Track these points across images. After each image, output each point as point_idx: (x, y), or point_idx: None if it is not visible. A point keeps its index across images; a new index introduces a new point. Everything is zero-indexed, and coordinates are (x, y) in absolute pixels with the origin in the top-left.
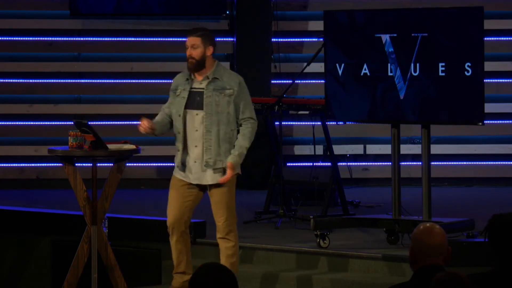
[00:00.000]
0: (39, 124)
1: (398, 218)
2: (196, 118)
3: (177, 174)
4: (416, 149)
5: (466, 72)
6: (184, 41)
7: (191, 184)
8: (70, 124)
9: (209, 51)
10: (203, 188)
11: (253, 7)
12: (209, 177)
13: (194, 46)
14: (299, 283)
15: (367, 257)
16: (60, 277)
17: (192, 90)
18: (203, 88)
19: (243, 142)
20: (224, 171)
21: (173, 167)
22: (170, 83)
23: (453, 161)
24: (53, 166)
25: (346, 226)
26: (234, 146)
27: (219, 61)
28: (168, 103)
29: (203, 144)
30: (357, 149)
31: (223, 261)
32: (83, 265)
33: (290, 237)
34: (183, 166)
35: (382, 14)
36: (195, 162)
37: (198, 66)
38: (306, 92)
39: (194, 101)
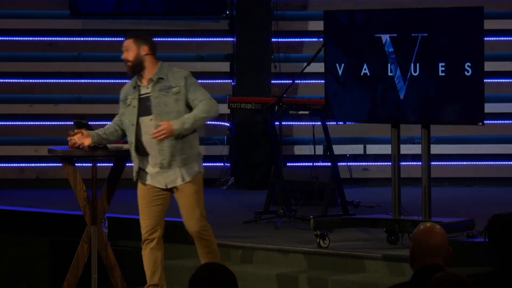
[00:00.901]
0: (39, 124)
1: (398, 218)
2: (150, 123)
3: (142, 182)
4: (416, 149)
5: (466, 72)
6: (184, 41)
7: (156, 188)
8: (70, 124)
9: (144, 50)
10: (169, 191)
11: (253, 7)
12: (172, 180)
13: (126, 48)
14: (299, 283)
15: (367, 257)
16: (59, 277)
17: (141, 96)
18: (150, 92)
19: (195, 111)
20: (186, 172)
21: None
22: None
23: (453, 161)
24: (53, 166)
25: (346, 226)
26: (190, 145)
27: (162, 61)
28: (119, 115)
29: (157, 147)
30: (357, 149)
31: (203, 260)
32: (83, 265)
33: (290, 237)
34: (145, 174)
35: (382, 14)
36: (154, 166)
37: (135, 68)
38: (306, 92)
39: (145, 107)
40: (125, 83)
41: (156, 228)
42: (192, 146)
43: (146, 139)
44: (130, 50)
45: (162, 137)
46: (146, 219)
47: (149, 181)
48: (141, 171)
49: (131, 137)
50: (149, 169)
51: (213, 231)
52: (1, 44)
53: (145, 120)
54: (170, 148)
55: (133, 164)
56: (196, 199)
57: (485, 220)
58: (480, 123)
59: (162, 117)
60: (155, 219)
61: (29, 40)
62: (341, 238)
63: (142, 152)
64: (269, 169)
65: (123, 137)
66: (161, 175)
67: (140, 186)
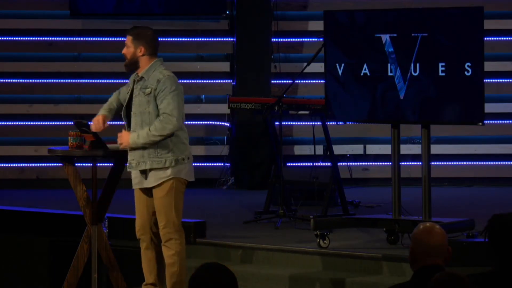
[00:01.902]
0: (39, 124)
1: (398, 218)
2: (132, 119)
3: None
4: (416, 149)
5: (466, 72)
6: (184, 41)
7: (142, 189)
8: (70, 124)
9: (140, 51)
10: (150, 192)
11: (253, 7)
12: (145, 181)
13: (126, 44)
14: (299, 283)
15: (367, 257)
16: (59, 277)
17: (133, 90)
18: (134, 90)
19: (151, 128)
20: (158, 174)
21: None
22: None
23: (453, 161)
24: (53, 166)
25: (346, 226)
26: (168, 149)
27: (157, 61)
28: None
29: (130, 146)
30: (357, 149)
31: (166, 270)
32: (83, 265)
33: (290, 237)
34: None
35: (382, 14)
36: (128, 166)
37: (130, 65)
38: (306, 92)
39: (131, 102)
40: (125, 83)
41: (148, 227)
42: (172, 150)
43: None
44: (129, 47)
45: (121, 146)
46: (138, 218)
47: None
48: None
49: (126, 125)
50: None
51: (213, 231)
52: (1, 44)
53: (131, 114)
54: (140, 149)
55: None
56: (163, 203)
57: (485, 220)
58: (480, 123)
59: (136, 116)
60: (147, 219)
61: (29, 40)
62: (341, 238)
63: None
64: (269, 169)
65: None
66: (138, 174)
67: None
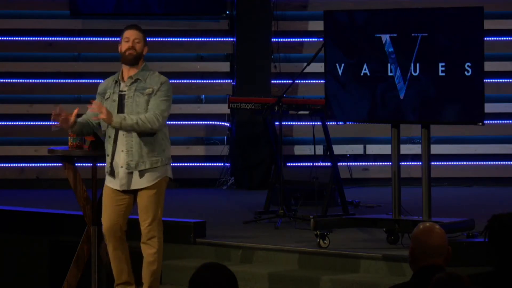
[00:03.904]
0: (39, 124)
1: (398, 218)
2: None
3: (107, 181)
4: (416, 149)
5: (466, 72)
6: (185, 41)
7: (120, 190)
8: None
9: (145, 50)
10: (133, 193)
11: (253, 7)
12: (137, 182)
13: (137, 40)
14: (299, 283)
15: (367, 257)
16: (59, 277)
17: (121, 93)
18: (125, 91)
19: (141, 116)
20: (152, 175)
21: (174, 167)
22: (170, 83)
23: (453, 161)
24: (53, 166)
25: (346, 226)
26: (162, 148)
27: (147, 64)
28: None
29: (126, 147)
30: (357, 149)
31: (144, 267)
32: (83, 265)
33: (290, 237)
34: (112, 172)
35: (382, 14)
36: (122, 167)
37: (135, 60)
38: (306, 92)
39: (121, 104)
40: None
41: (116, 227)
42: (164, 149)
43: (120, 137)
44: (139, 43)
45: (101, 116)
46: (107, 218)
47: (114, 181)
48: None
49: (110, 131)
50: (117, 168)
51: (213, 231)
52: (1, 44)
53: None
54: (138, 149)
55: (106, 161)
56: (153, 201)
57: (485, 220)
58: (480, 123)
59: None
60: (116, 220)
61: (29, 40)
62: (341, 238)
63: (114, 148)
64: (269, 169)
65: (92, 132)
66: (126, 176)
67: (105, 185)
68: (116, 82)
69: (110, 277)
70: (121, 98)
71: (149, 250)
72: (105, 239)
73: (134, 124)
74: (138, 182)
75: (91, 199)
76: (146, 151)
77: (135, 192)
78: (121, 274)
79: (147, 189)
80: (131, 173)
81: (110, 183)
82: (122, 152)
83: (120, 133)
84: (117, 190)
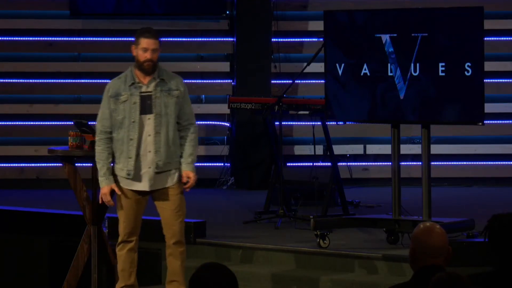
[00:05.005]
0: (39, 124)
1: (398, 218)
2: (148, 122)
3: (126, 184)
4: (416, 149)
5: (466, 72)
6: (185, 41)
7: (139, 192)
8: (70, 124)
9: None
10: (147, 195)
11: (253, 7)
12: (164, 181)
13: (154, 49)
14: (299, 283)
15: (367, 257)
16: (59, 277)
17: (142, 94)
18: (151, 91)
19: (193, 150)
20: (176, 174)
21: None
22: None
23: (453, 161)
24: (53, 166)
25: (346, 226)
26: (178, 150)
27: (159, 63)
28: (108, 113)
29: (154, 148)
30: (357, 149)
31: (178, 266)
32: (83, 265)
33: (290, 237)
34: (135, 174)
35: (382, 14)
36: (150, 168)
37: (153, 69)
38: (306, 92)
39: (145, 105)
40: None
41: (137, 231)
42: (178, 150)
43: (144, 138)
44: (157, 51)
45: (189, 185)
46: (131, 222)
47: (134, 183)
48: (121, 172)
49: (132, 134)
50: (143, 169)
51: (213, 231)
52: (1, 44)
53: (143, 119)
54: (166, 149)
55: (122, 163)
56: (182, 199)
57: (485, 220)
58: (480, 123)
59: (161, 118)
60: (138, 223)
61: (29, 40)
62: (341, 238)
63: (140, 151)
64: (269, 169)
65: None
66: (153, 177)
67: (121, 188)
68: (133, 84)
69: (111, 277)
70: (144, 99)
71: (181, 248)
72: (121, 241)
73: (195, 149)
74: (165, 181)
75: (91, 199)
76: (172, 151)
77: (147, 193)
78: (129, 276)
79: (174, 188)
80: (158, 173)
81: (131, 186)
82: (150, 153)
83: (146, 134)
84: (135, 192)
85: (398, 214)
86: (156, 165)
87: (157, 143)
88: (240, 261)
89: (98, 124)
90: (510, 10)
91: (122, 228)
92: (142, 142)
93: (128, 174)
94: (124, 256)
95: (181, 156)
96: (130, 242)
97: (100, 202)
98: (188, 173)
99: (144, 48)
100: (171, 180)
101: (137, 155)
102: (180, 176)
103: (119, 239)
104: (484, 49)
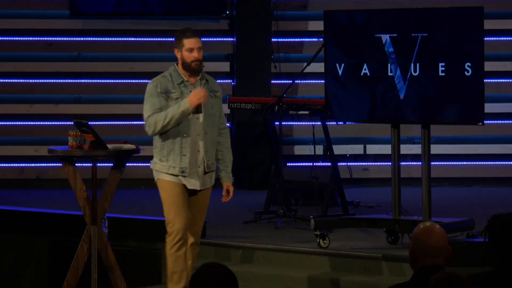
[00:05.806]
0: (39, 124)
1: (398, 218)
2: (197, 122)
3: (174, 179)
4: (416, 149)
5: (466, 72)
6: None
7: (187, 190)
8: (70, 124)
9: None
10: (193, 194)
11: (253, 7)
12: (208, 181)
13: (199, 48)
14: (299, 283)
15: (367, 257)
16: (59, 277)
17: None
18: None
19: (231, 157)
20: (213, 175)
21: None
22: None
23: (453, 161)
24: (53, 166)
25: (346, 226)
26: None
27: None
28: (159, 104)
29: (203, 147)
30: (357, 149)
31: (189, 265)
32: (83, 265)
33: (290, 237)
34: (188, 172)
35: (382, 14)
36: (199, 167)
37: (201, 69)
38: (306, 92)
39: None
40: (126, 83)
41: (187, 228)
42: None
43: (193, 137)
44: (201, 50)
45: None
46: (184, 217)
47: (185, 180)
48: (173, 169)
49: (186, 131)
50: (193, 168)
51: (213, 231)
52: (1, 44)
53: (193, 117)
54: (212, 149)
55: (175, 160)
56: (207, 203)
57: (485, 220)
58: (480, 123)
59: (208, 118)
60: (189, 219)
61: (29, 40)
62: (341, 238)
63: (192, 147)
64: (269, 169)
65: None
66: (202, 176)
67: (171, 182)
68: (182, 82)
69: (110, 277)
70: None
71: (195, 250)
72: (178, 239)
73: (230, 152)
74: (208, 182)
75: (91, 199)
76: (214, 152)
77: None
78: (182, 276)
79: (209, 189)
80: (206, 173)
81: (185, 182)
82: (199, 152)
83: (195, 133)
84: (185, 189)
85: (398, 214)
86: (206, 165)
87: (206, 143)
88: (240, 261)
89: (146, 114)
90: (510, 10)
91: (177, 224)
92: (193, 140)
93: (183, 172)
94: (179, 256)
95: (217, 160)
96: (182, 240)
97: (196, 102)
98: (229, 185)
99: (189, 49)
100: (211, 182)
101: (190, 152)
102: (214, 178)
103: (175, 238)
104: (484, 49)
